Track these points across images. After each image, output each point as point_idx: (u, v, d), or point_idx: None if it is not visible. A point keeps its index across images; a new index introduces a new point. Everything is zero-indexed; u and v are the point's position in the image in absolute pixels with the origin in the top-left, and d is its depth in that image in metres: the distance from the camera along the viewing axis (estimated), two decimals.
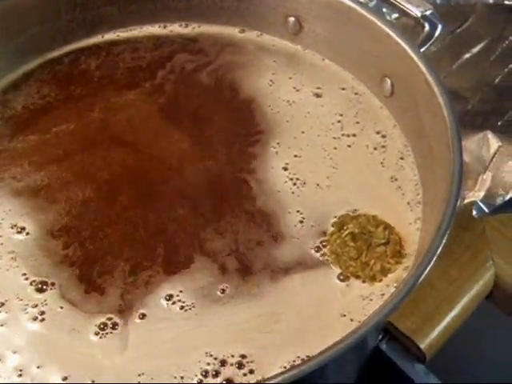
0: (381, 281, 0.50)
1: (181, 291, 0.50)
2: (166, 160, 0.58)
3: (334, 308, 0.49)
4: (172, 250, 0.52)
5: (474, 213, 0.62)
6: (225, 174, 0.57)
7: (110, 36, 0.68)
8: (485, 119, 0.69)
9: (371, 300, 0.49)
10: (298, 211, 0.54)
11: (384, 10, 0.76)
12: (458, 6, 0.82)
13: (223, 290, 0.50)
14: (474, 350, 0.69)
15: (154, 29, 0.68)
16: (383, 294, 0.49)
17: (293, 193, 0.55)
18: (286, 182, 0.56)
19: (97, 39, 0.68)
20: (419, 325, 0.56)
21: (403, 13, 0.62)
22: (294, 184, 0.56)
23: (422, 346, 0.55)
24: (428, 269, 0.44)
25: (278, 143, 0.59)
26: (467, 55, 0.77)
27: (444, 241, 0.45)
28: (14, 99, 0.63)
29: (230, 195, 0.55)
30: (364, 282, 0.50)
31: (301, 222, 0.53)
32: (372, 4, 0.77)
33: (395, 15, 0.78)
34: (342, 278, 0.50)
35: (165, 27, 0.68)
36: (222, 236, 0.53)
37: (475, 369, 0.69)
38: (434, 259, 0.45)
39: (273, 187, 0.55)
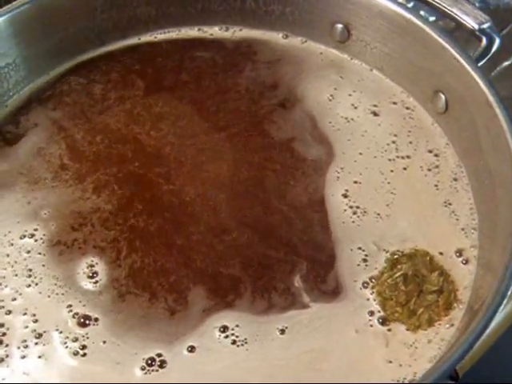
0: (425, 330, 0.47)
1: (237, 325, 0.47)
2: (227, 185, 0.55)
3: (378, 353, 0.47)
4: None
5: None
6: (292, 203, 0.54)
7: (147, 38, 0.65)
8: None
9: (416, 348, 0.47)
10: (359, 248, 0.51)
11: (422, 12, 0.73)
12: (498, 10, 0.79)
13: (282, 331, 0.47)
14: (506, 368, 0.67)
15: (193, 31, 0.65)
16: (430, 341, 0.47)
17: (353, 222, 0.52)
18: (345, 210, 0.53)
19: (133, 41, 0.64)
20: None
21: (458, 24, 0.58)
22: (354, 213, 0.53)
23: None
24: (498, 313, 0.42)
25: (341, 168, 0.56)
26: (506, 63, 0.74)
27: None
28: (45, 102, 0.60)
29: (294, 228, 0.53)
30: (407, 329, 0.48)
31: (364, 260, 0.51)
32: (410, 5, 0.73)
33: (432, 18, 0.74)
34: (383, 321, 0.48)
35: (204, 30, 0.65)
36: (286, 273, 0.50)
37: None
38: (505, 302, 0.42)
39: (335, 220, 0.52)
